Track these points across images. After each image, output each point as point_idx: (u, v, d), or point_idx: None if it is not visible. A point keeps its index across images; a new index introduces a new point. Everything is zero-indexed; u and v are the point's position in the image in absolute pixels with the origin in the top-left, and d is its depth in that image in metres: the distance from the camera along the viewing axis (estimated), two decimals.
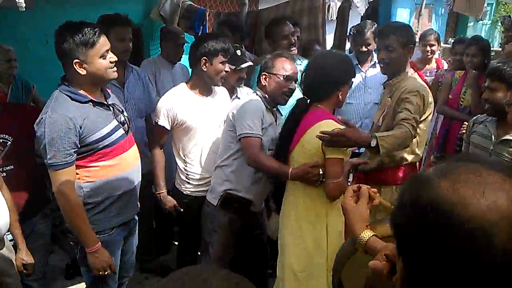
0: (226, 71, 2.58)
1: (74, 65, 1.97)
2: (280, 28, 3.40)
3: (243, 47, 3.28)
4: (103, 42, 2.01)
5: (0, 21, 3.79)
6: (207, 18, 4.64)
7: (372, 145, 2.16)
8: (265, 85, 2.44)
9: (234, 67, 2.74)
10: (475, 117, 2.70)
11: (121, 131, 2.15)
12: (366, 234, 1.22)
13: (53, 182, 2.02)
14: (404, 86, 2.46)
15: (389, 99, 2.55)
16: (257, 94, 2.46)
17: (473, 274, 0.63)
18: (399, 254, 0.75)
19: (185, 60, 3.34)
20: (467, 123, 2.85)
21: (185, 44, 3.76)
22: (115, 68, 2.08)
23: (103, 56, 2.01)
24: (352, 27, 3.83)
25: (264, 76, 2.44)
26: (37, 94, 3.56)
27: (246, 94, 2.90)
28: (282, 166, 2.24)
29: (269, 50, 3.78)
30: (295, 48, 3.40)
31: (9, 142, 2.39)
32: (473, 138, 2.59)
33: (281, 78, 2.39)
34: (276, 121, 2.51)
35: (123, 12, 2.86)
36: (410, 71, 2.58)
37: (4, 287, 2.14)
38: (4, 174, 2.32)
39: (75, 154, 2.00)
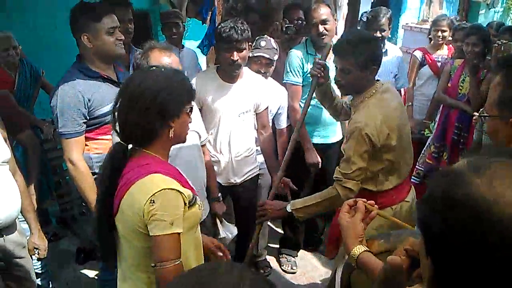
0: (233, 60, 2.40)
1: (83, 38, 2.15)
2: (315, 12, 2.96)
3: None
4: (110, 19, 2.18)
5: (10, 7, 3.78)
6: (216, 4, 4.59)
7: (288, 210, 2.09)
8: None
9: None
10: None
11: None
12: (358, 250, 1.23)
13: (64, 151, 2.19)
14: (354, 117, 2.08)
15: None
16: None
17: (508, 273, 0.61)
18: (427, 252, 0.72)
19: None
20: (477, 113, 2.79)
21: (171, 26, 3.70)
22: (122, 45, 2.23)
23: (109, 33, 2.17)
24: (364, 12, 3.75)
25: None
26: (46, 80, 3.54)
27: (272, 86, 2.89)
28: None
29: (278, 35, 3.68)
30: (326, 36, 2.91)
31: None
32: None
33: None
34: None
35: None
36: (376, 95, 2.14)
37: (15, 269, 2.17)
38: None
39: (85, 125, 2.18)
